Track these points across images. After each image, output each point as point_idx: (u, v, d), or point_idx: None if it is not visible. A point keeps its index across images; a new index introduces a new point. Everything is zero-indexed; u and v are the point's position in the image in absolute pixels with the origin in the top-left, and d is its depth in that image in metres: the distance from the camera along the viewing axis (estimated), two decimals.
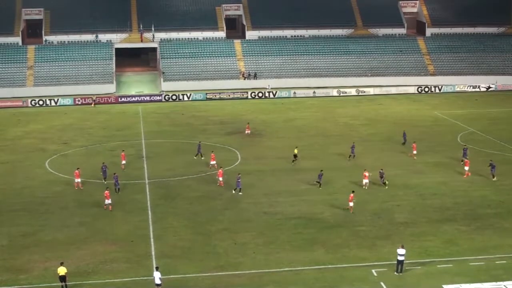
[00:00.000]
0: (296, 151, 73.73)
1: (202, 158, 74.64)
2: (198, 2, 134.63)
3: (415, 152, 74.68)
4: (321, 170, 65.12)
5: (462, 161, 71.50)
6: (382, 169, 65.32)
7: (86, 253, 49.96)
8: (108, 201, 58.71)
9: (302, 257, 48.97)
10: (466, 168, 67.96)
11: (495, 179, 66.09)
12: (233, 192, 63.07)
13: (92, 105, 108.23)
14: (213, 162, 70.91)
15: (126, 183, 65.51)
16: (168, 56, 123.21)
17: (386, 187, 63.38)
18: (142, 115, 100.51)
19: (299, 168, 71.20)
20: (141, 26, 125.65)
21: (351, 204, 57.55)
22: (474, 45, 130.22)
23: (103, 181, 66.27)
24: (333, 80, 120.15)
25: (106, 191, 59.25)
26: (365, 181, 64.27)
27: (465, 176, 67.38)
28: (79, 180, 65.09)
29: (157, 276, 43.54)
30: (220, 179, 65.37)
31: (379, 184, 64.37)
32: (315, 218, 56.69)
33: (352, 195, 58.01)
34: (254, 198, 61.92)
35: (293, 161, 73.11)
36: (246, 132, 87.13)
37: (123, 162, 71.85)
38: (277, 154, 77.16)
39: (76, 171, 65.45)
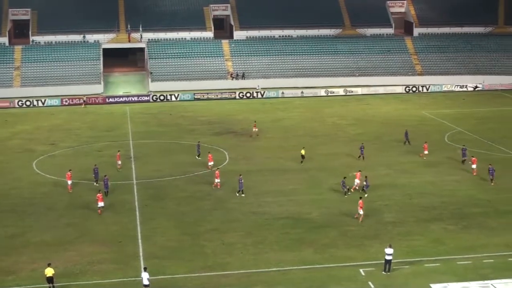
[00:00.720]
0: (303, 151, 73.60)
1: (199, 158, 74.69)
2: (186, 2, 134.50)
3: (426, 152, 74.53)
4: (344, 177, 63.67)
5: (463, 161, 71.69)
6: (366, 176, 64.39)
7: (74, 254, 49.81)
8: (101, 204, 58.05)
9: (290, 257, 48.99)
10: (474, 166, 67.58)
11: (493, 184, 65.64)
12: (237, 194, 62.66)
13: (83, 105, 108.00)
14: (211, 163, 70.85)
15: (114, 184, 65.23)
16: (156, 57, 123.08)
17: (366, 195, 62.86)
18: (129, 115, 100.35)
19: (287, 169, 71.26)
20: (129, 26, 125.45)
21: (361, 212, 55.43)
22: (461, 45, 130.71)
23: (95, 183, 65.87)
24: (321, 80, 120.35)
25: (99, 194, 58.89)
26: (357, 181, 63.94)
27: (474, 173, 67.35)
28: (70, 182, 64.75)
29: (145, 277, 43.46)
30: (217, 180, 65.18)
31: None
32: (303, 218, 56.72)
33: (361, 201, 55.94)
34: (242, 198, 61.88)
35: (301, 161, 72.94)
36: (254, 130, 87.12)
37: (119, 162, 71.84)
38: (265, 154, 77.25)
39: (68, 173, 65.16)
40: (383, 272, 45.98)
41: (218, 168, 67.18)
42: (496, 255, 48.84)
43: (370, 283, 44.71)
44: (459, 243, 51.25)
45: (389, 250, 46.06)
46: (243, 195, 62.48)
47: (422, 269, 46.71)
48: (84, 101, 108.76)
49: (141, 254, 49.87)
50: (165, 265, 47.73)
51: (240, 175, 63.88)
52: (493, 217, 56.43)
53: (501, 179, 65.98)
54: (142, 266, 46.01)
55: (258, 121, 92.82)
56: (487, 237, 52.18)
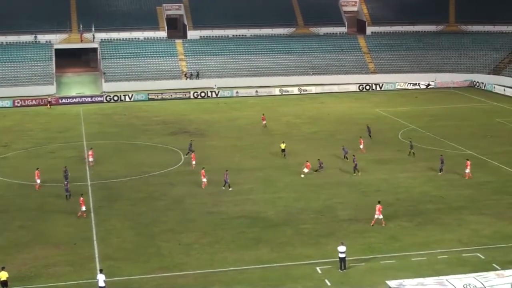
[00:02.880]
0: (283, 146, 74.38)
1: (186, 156, 74.48)
2: (139, 2, 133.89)
3: (361, 146, 75.95)
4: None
5: (410, 153, 73.74)
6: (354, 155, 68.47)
7: (28, 257, 49.16)
8: (83, 208, 56.96)
9: (247, 256, 48.97)
10: (467, 170, 66.36)
11: (440, 173, 66.99)
12: (223, 188, 63.29)
13: (48, 106, 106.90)
14: (194, 162, 70.48)
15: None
16: (109, 57, 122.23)
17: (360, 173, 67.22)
18: (83, 116, 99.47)
19: (243, 168, 71.21)
20: (81, 26, 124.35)
21: (381, 216, 54.08)
22: (413, 43, 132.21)
23: (65, 185, 64.29)
24: (275, 79, 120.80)
25: (81, 198, 57.61)
26: (306, 170, 66.21)
27: (465, 177, 66.43)
28: (39, 181, 64.01)
29: (101, 278, 43.09)
30: (204, 180, 64.46)
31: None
32: (259, 217, 56.74)
33: (379, 206, 54.64)
34: (198, 198, 61.72)
35: (284, 155, 73.90)
36: (263, 123, 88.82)
37: (91, 159, 71.49)
38: (220, 153, 77.17)
39: (37, 171, 64.35)
40: (339, 270, 46.16)
41: (203, 167, 66.27)
42: (450, 251, 49.36)
43: (326, 280, 44.87)
44: (414, 239, 51.71)
45: (341, 248, 46.21)
46: (230, 189, 63.18)
47: (378, 266, 47.01)
48: (49, 101, 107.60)
49: (96, 255, 49.40)
50: (121, 267, 47.38)
51: (227, 170, 64.52)
52: (447, 213, 57.02)
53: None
54: (98, 268, 45.61)
55: (213, 121, 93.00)
56: (441, 233, 52.72)
